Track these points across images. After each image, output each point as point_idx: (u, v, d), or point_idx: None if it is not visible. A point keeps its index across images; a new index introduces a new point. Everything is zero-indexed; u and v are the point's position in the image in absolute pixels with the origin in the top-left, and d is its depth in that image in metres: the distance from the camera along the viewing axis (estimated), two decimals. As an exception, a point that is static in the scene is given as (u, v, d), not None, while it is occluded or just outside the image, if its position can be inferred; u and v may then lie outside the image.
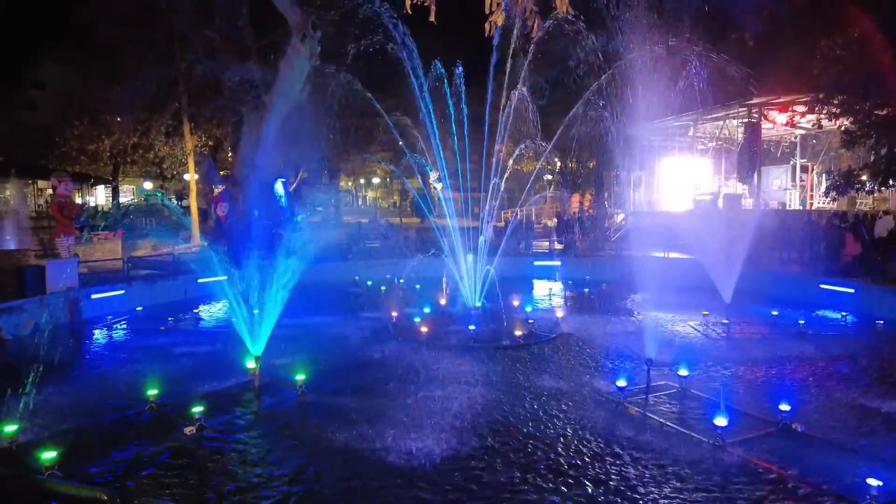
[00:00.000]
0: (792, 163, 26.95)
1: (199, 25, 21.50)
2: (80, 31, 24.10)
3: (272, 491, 5.31)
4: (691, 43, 15.34)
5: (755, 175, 22.97)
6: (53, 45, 29.20)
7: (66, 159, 29.96)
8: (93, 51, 25.54)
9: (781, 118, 23.13)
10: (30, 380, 8.72)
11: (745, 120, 22.90)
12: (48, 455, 5.40)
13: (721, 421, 6.17)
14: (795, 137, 26.88)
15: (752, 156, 22.37)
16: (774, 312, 12.59)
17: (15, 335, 11.03)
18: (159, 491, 5.31)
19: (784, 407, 6.57)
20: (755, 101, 21.40)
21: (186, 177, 30.13)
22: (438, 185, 16.19)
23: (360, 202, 65.22)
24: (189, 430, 6.44)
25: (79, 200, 29.88)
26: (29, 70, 33.27)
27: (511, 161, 16.28)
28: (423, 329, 11.15)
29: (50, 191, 23.77)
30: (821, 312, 13.35)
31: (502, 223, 24.22)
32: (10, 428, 6.17)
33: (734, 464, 5.76)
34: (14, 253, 15.16)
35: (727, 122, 24.85)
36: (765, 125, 23.37)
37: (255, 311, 8.37)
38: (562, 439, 6.37)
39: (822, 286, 14.14)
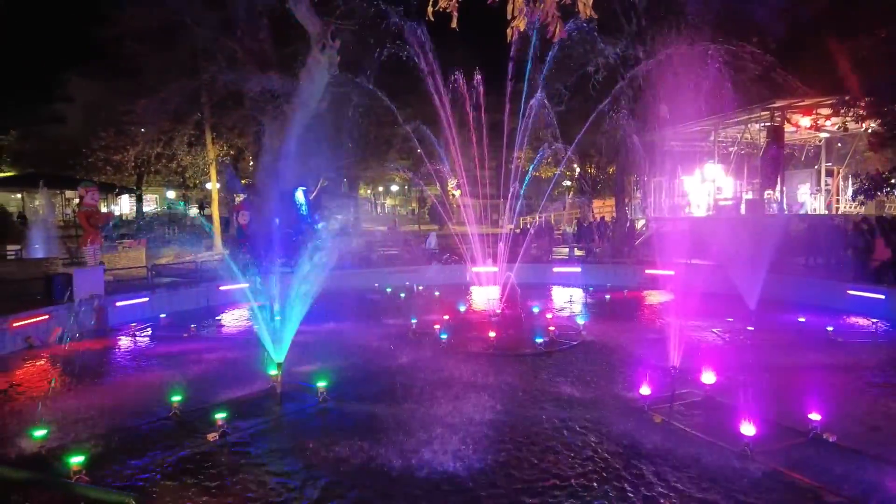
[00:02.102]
0: (816, 167, 26.45)
1: (221, 38, 21.90)
2: (105, 47, 24.71)
3: (293, 498, 5.32)
4: (715, 43, 15.13)
5: (778, 179, 22.57)
6: (80, 61, 30.06)
7: (93, 170, 30.71)
8: (118, 65, 26.20)
9: (805, 121, 22.69)
10: (57, 386, 8.93)
11: (768, 124, 22.52)
12: (76, 460, 5.51)
13: (749, 430, 6.03)
14: (820, 141, 26.37)
15: (776, 160, 21.99)
16: (801, 319, 12.33)
17: (43, 342, 11.29)
18: (182, 496, 5.36)
19: (814, 416, 6.40)
20: (778, 104, 21.05)
21: (209, 186, 30.64)
22: (457, 193, 16.23)
23: (378, 210, 65.57)
24: (212, 436, 6.49)
25: (104, 209, 30.51)
26: (58, 85, 34.33)
27: (531, 168, 16.26)
28: (444, 336, 11.12)
29: (77, 200, 24.34)
30: (850, 319, 13.01)
31: (529, 225, 24.12)
32: (40, 433, 6.29)
33: (763, 474, 5.60)
34: (42, 261, 15.51)
35: (749, 126, 24.46)
36: (788, 129, 22.96)
37: (277, 318, 8.44)
38: (585, 448, 6.27)
39: (850, 292, 13.81)
